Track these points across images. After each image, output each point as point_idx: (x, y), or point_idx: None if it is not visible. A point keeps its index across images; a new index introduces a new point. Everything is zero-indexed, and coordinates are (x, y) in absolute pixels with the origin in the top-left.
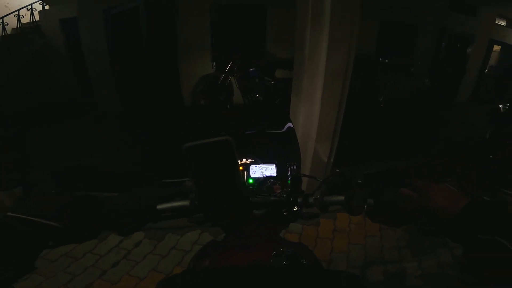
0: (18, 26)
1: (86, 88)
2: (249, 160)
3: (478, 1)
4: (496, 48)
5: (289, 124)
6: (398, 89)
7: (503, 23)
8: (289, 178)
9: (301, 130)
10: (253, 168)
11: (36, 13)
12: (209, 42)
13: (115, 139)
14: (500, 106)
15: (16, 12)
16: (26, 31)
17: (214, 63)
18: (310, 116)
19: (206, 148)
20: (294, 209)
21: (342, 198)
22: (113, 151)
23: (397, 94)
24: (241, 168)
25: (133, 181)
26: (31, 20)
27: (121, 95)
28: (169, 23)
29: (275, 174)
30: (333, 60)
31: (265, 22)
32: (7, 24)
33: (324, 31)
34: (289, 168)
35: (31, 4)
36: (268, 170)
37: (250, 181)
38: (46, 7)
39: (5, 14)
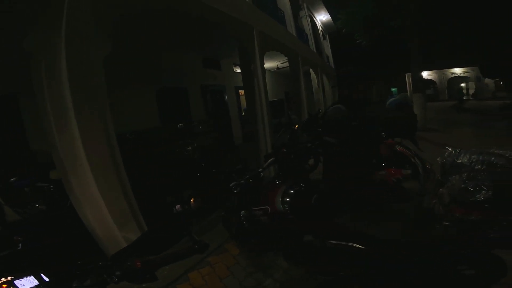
0: None
1: None
2: (9, 278)
3: (219, 56)
4: (242, 92)
5: None
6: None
7: (238, 70)
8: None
9: (99, 224)
10: (17, 282)
11: None
12: None
13: None
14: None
15: None
16: None
17: None
18: (99, 212)
19: None
20: None
21: None
22: None
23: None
24: (5, 286)
25: None
26: None
27: None
28: None
29: (38, 283)
30: (93, 151)
31: (19, 113)
32: None
33: (72, 126)
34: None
35: None
36: (34, 280)
37: None
38: None
39: None
